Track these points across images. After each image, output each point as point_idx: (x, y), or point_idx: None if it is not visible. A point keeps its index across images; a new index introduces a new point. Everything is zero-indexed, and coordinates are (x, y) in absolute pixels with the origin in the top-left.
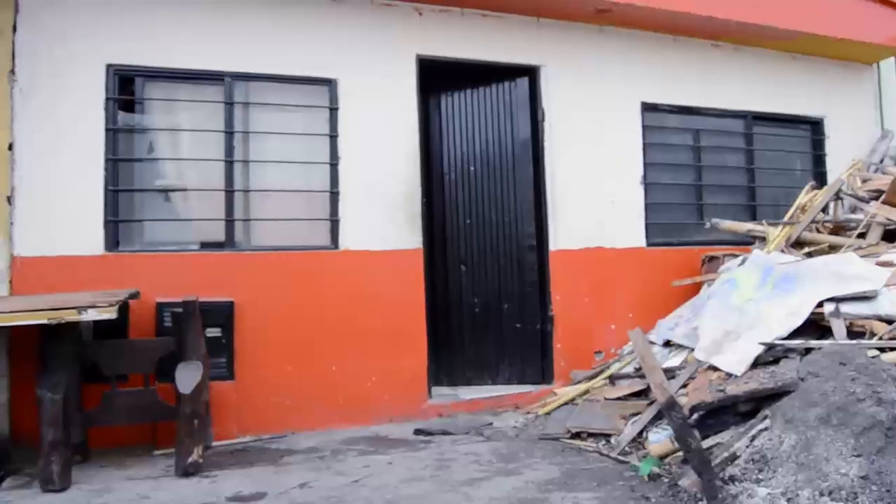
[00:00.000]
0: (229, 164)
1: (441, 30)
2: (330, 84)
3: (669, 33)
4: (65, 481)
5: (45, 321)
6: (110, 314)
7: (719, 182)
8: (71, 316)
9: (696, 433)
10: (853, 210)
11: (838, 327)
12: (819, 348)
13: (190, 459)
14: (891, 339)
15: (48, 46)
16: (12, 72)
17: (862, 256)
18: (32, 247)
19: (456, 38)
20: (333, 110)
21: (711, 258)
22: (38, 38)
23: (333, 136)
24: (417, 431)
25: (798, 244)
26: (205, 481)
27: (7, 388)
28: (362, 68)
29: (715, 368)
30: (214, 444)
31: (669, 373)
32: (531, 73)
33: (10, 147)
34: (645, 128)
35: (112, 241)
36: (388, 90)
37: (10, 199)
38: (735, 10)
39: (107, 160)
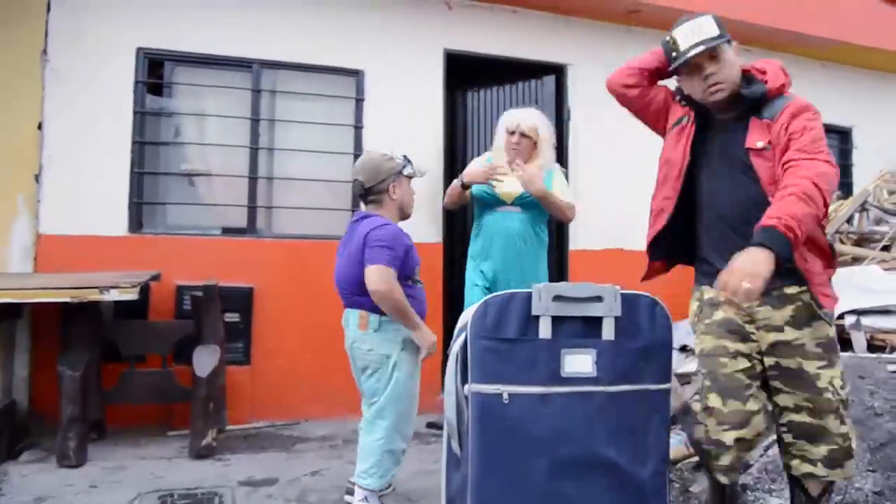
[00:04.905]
0: (254, 150)
1: (469, 24)
2: (357, 75)
3: None
4: (81, 457)
5: (67, 300)
6: (132, 295)
7: None
8: (93, 295)
9: None
10: (878, 222)
11: (858, 340)
12: None
13: (203, 442)
14: None
15: (80, 27)
16: (44, 52)
17: (885, 270)
18: (58, 225)
19: (484, 33)
20: (359, 101)
21: None
22: (70, 18)
23: (358, 128)
24: (429, 425)
25: None
26: (217, 464)
27: (27, 364)
28: (390, 60)
29: None
30: (228, 427)
31: (685, 378)
32: (558, 71)
33: (40, 126)
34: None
35: (136, 223)
36: (415, 83)
37: (37, 178)
38: (768, 16)
39: (134, 142)
